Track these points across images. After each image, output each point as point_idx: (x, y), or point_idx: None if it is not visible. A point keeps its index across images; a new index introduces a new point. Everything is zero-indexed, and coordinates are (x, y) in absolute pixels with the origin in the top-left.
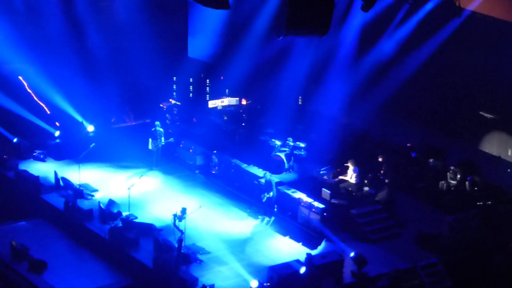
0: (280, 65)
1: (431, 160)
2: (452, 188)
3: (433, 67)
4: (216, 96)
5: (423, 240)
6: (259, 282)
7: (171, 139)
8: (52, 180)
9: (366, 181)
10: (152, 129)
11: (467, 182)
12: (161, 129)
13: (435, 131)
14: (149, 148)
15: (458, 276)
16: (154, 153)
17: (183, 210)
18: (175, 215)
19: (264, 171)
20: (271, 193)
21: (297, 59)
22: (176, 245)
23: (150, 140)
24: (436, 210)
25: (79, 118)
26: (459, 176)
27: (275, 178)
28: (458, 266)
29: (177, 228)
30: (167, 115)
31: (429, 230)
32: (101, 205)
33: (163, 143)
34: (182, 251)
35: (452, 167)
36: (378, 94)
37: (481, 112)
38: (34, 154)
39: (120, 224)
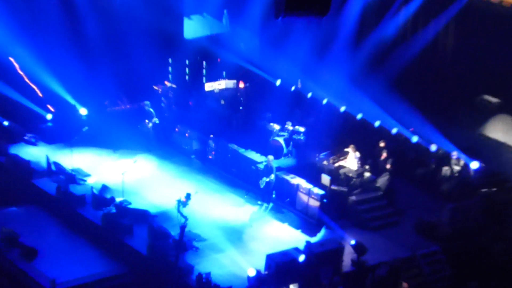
0: (279, 47)
1: (433, 146)
2: (456, 175)
3: (435, 50)
4: (213, 78)
5: (423, 228)
6: (257, 270)
7: (155, 119)
8: (44, 164)
9: (366, 167)
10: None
11: (470, 169)
12: (151, 109)
13: (437, 116)
14: (144, 131)
15: (458, 265)
16: (147, 136)
17: (187, 196)
18: (179, 201)
19: (267, 156)
20: (267, 179)
21: (296, 41)
22: (179, 232)
23: (147, 121)
24: (437, 198)
25: (71, 101)
26: (462, 162)
27: (273, 163)
28: (458, 255)
29: (181, 214)
30: (162, 98)
31: (429, 218)
32: (94, 190)
33: (155, 121)
34: (178, 238)
35: (455, 153)
36: (380, 78)
37: (485, 96)
38: (26, 137)
39: (114, 210)
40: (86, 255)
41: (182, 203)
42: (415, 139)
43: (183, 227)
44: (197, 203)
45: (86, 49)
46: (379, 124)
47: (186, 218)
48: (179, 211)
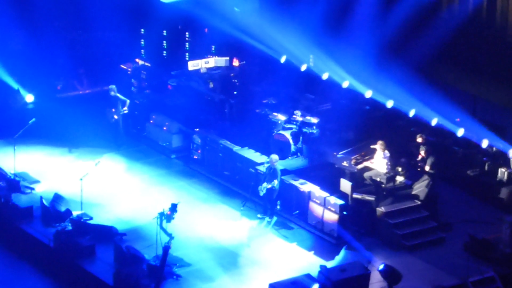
0: (285, 13)
1: (484, 142)
2: None
3: (490, 16)
4: (198, 55)
5: (475, 247)
6: None
7: (124, 109)
8: None
9: (399, 169)
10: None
11: None
12: (118, 94)
13: (491, 102)
14: (109, 123)
15: None
16: (114, 129)
17: (173, 207)
18: (161, 214)
19: (270, 156)
20: (272, 184)
21: (307, 4)
22: (160, 255)
23: (113, 110)
24: (494, 208)
25: (14, 84)
26: None
27: (278, 165)
28: None
29: (165, 231)
30: (132, 80)
31: (484, 235)
32: (44, 201)
33: (124, 111)
34: (152, 262)
35: None
36: (415, 54)
37: None
38: None
39: (70, 227)
40: (33, 286)
41: (166, 217)
42: (461, 132)
43: (166, 248)
44: (178, 218)
45: (32, 16)
46: (415, 113)
47: (171, 236)
48: (161, 227)
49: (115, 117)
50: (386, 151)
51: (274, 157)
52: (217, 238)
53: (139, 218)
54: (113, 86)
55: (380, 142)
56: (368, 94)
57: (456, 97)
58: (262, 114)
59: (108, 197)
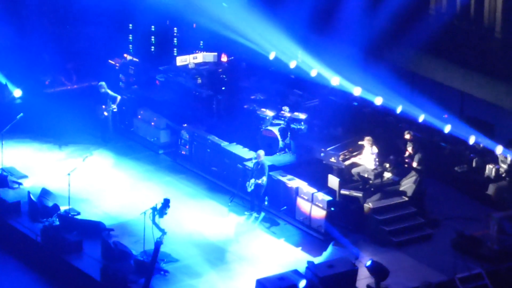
0: (274, 8)
1: (471, 138)
2: (504, 175)
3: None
4: (186, 50)
5: (462, 244)
6: None
7: (114, 106)
8: None
9: (387, 165)
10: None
11: None
12: (108, 91)
13: (480, 99)
14: (101, 118)
15: None
16: (103, 125)
17: (166, 202)
18: (154, 209)
19: (257, 152)
20: (261, 180)
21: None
22: (143, 250)
23: (103, 107)
24: (481, 204)
25: (1, 79)
26: (510, 159)
27: (266, 161)
28: (509, 278)
29: (157, 226)
30: (120, 75)
31: (471, 231)
32: (31, 196)
33: (114, 109)
34: (140, 257)
35: (499, 148)
36: (402, 49)
37: None
38: None
39: (57, 222)
40: (20, 281)
41: (158, 212)
42: (448, 129)
43: (158, 243)
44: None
45: (20, 11)
46: (402, 110)
47: (163, 231)
48: (154, 222)
49: (105, 113)
50: (374, 147)
51: (261, 152)
52: (205, 234)
53: (127, 214)
54: (103, 83)
55: (367, 138)
56: (357, 91)
57: (444, 94)
58: (250, 110)
59: (96, 192)
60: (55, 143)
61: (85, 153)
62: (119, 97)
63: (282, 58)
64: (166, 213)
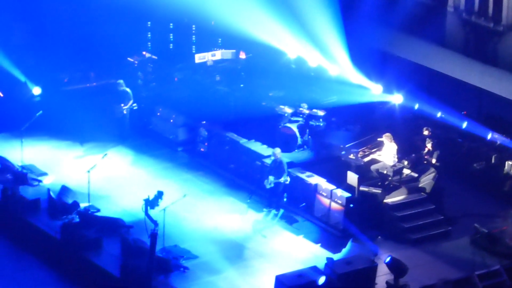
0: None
1: (489, 134)
2: None
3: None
4: (205, 48)
5: (481, 241)
6: None
7: (131, 102)
8: None
9: (406, 162)
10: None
11: None
12: (127, 89)
13: (498, 95)
14: (116, 116)
15: None
16: (120, 123)
17: (159, 194)
18: (146, 200)
19: (274, 150)
20: (282, 179)
21: None
22: (162, 247)
23: (122, 105)
24: (499, 201)
25: (21, 77)
26: None
27: (284, 158)
28: None
29: (150, 218)
30: (139, 73)
31: (490, 228)
32: (51, 193)
33: (133, 107)
34: (159, 254)
35: None
36: (423, 43)
37: None
38: None
39: (77, 219)
40: (39, 278)
41: (150, 204)
42: (465, 125)
43: (153, 235)
44: (185, 210)
45: (39, 9)
46: (421, 106)
47: (155, 223)
48: (147, 214)
49: (124, 112)
50: (393, 144)
51: (277, 150)
52: (224, 231)
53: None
54: (121, 81)
55: (387, 134)
56: (377, 88)
57: (462, 91)
58: (269, 107)
59: (115, 189)
60: (75, 141)
61: (104, 151)
62: (131, 101)
63: (302, 56)
64: (158, 205)
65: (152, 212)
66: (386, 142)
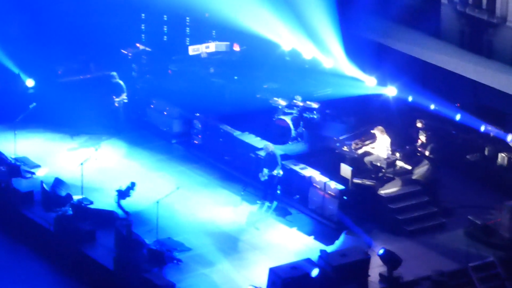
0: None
1: (486, 127)
2: None
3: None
4: (199, 40)
5: (475, 232)
6: None
7: (124, 95)
8: None
9: (399, 154)
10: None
11: None
12: (120, 81)
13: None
14: (110, 108)
15: None
16: (114, 115)
17: (131, 185)
18: (119, 191)
19: (265, 144)
20: (275, 171)
21: None
22: (156, 239)
23: (114, 97)
24: (494, 193)
25: (14, 69)
26: None
27: (278, 150)
28: None
29: (122, 208)
30: (133, 65)
31: (484, 220)
32: (44, 185)
33: (125, 100)
34: (154, 247)
35: (510, 136)
36: (417, 36)
37: None
38: None
39: (70, 212)
40: (32, 270)
41: (121, 194)
42: (459, 117)
43: (126, 226)
44: (179, 202)
45: (32, 1)
46: (415, 98)
47: (128, 213)
48: (119, 205)
49: (116, 104)
50: (386, 136)
51: (269, 145)
52: (218, 223)
53: (140, 203)
54: (115, 73)
55: (378, 127)
56: (370, 80)
57: (456, 82)
58: (263, 99)
59: (109, 182)
60: (68, 133)
61: (97, 143)
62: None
63: (297, 48)
64: (129, 196)
65: (137, 204)
66: (378, 135)
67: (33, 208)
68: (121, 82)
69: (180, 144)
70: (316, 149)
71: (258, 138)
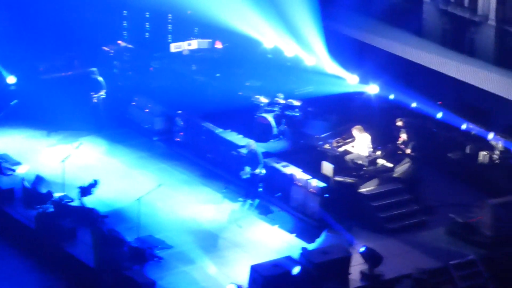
0: None
1: (463, 125)
2: (497, 162)
3: None
4: (181, 37)
5: (456, 231)
6: (238, 287)
7: (102, 92)
8: None
9: (380, 152)
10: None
11: None
12: (99, 78)
13: (474, 86)
14: (90, 105)
15: (502, 279)
16: (94, 111)
17: (94, 183)
18: (81, 188)
19: (247, 142)
20: (258, 170)
21: None
22: (137, 237)
23: (92, 94)
24: (475, 191)
25: None
26: (501, 145)
27: (260, 148)
28: (503, 265)
29: (83, 205)
30: (115, 62)
31: (466, 218)
32: (25, 183)
33: (103, 96)
34: (135, 245)
35: (491, 135)
36: (400, 34)
37: None
38: None
39: (51, 209)
40: (13, 268)
41: (83, 191)
42: (440, 115)
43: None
44: (160, 200)
45: None
46: (397, 96)
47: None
48: (80, 202)
49: (95, 100)
50: (366, 134)
51: (251, 142)
52: (199, 221)
53: (121, 201)
54: (95, 69)
55: (357, 126)
56: (352, 78)
57: (439, 81)
58: (245, 97)
59: (90, 179)
60: (49, 130)
61: (77, 140)
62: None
63: (279, 46)
64: (91, 193)
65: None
66: (357, 134)
67: (14, 205)
68: (100, 79)
69: (162, 141)
70: (298, 147)
71: (240, 136)
